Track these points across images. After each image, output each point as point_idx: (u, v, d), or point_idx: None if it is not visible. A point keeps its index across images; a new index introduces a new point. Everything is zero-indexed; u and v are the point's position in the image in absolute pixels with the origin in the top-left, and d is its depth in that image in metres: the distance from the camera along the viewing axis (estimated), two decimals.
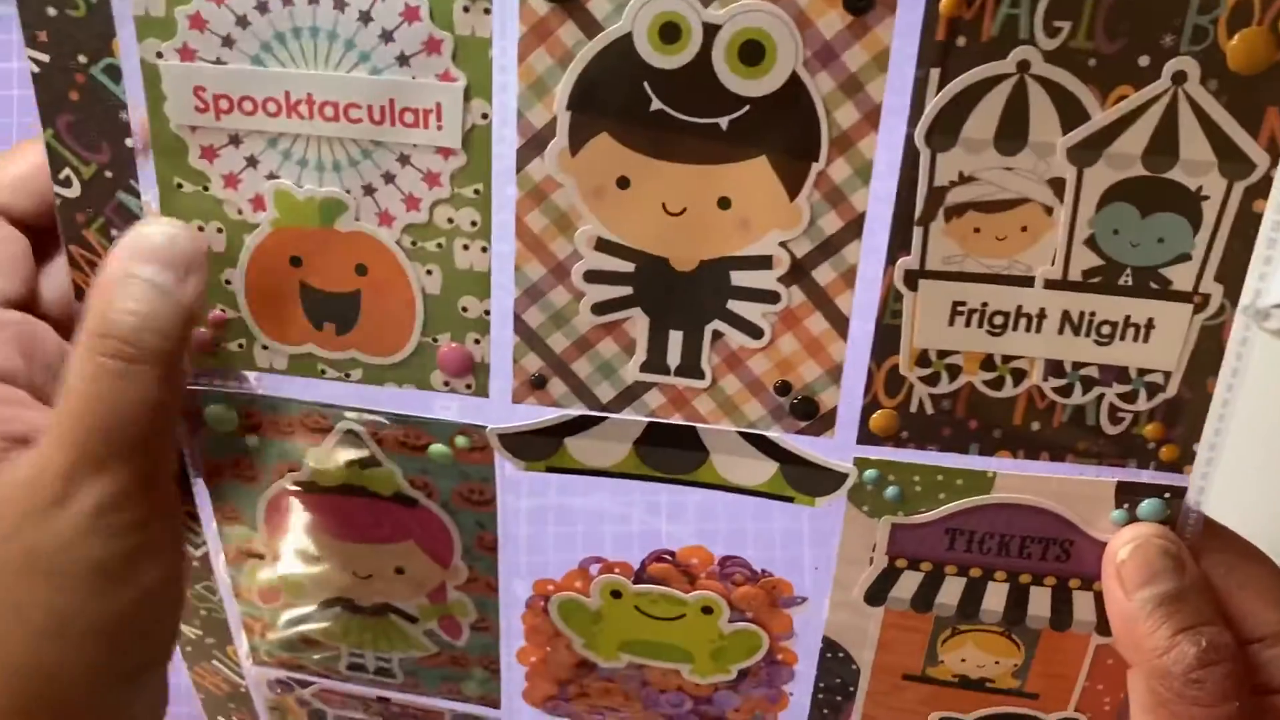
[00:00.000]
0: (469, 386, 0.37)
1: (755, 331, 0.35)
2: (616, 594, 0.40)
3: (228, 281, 0.36)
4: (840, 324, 0.34)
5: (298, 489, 0.39)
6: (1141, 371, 0.34)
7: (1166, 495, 0.35)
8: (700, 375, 0.35)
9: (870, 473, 0.36)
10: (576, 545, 0.41)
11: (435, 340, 0.36)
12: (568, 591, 0.40)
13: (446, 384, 0.37)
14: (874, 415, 0.35)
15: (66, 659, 0.34)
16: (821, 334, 0.34)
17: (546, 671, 0.43)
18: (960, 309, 0.34)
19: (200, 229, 0.36)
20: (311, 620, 0.43)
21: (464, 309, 0.36)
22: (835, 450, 0.36)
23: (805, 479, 0.36)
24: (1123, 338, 0.34)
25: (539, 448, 0.37)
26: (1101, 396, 0.35)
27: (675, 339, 0.35)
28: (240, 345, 0.37)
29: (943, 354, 0.34)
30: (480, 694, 0.44)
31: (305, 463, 0.39)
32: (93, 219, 0.36)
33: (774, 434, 0.36)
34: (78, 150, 0.35)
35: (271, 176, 0.35)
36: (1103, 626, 0.37)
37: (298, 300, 0.36)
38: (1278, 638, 0.35)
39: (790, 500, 0.37)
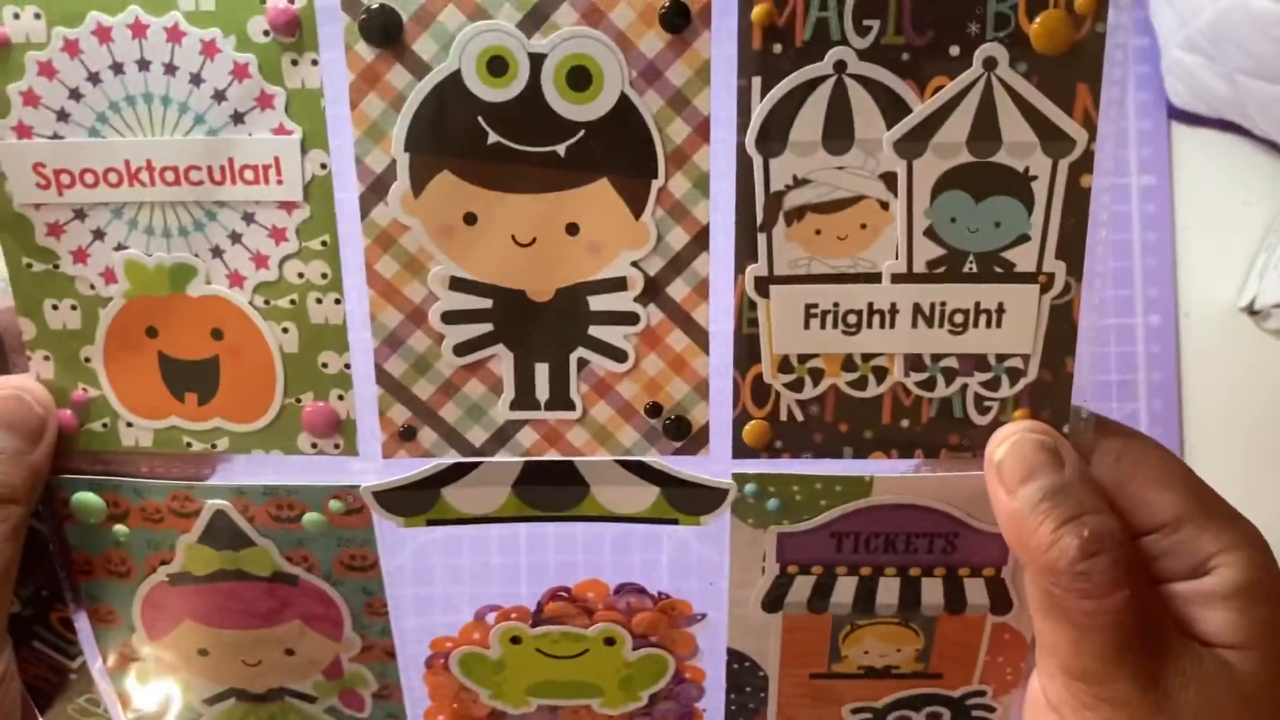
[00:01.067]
0: (337, 446, 0.36)
1: (619, 355, 0.35)
2: (516, 640, 0.39)
3: (87, 359, 0.36)
4: (700, 338, 0.35)
5: (172, 581, 0.38)
6: (1000, 357, 0.35)
7: None
8: (571, 406, 0.35)
9: (750, 487, 0.36)
10: (464, 597, 0.40)
11: (298, 400, 0.36)
12: (466, 645, 0.39)
13: (314, 445, 0.36)
14: (746, 427, 0.35)
15: None
16: (684, 350, 0.35)
17: None
18: (814, 311, 0.34)
19: (54, 308, 0.35)
20: (204, 717, 0.41)
21: (324, 365, 0.35)
22: (712, 467, 0.36)
23: (687, 500, 0.36)
24: (976, 325, 0.34)
25: (416, 502, 0.37)
26: (965, 387, 0.35)
27: (542, 371, 0.35)
28: (104, 425, 0.36)
29: (803, 358, 0.35)
30: None
31: (177, 551, 0.38)
32: None
33: (650, 458, 0.36)
34: None
35: (120, 247, 0.35)
36: (997, 608, 0.38)
37: (157, 372, 0.36)
38: (1176, 523, 0.34)
39: (675, 522, 0.36)
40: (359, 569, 0.38)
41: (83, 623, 0.40)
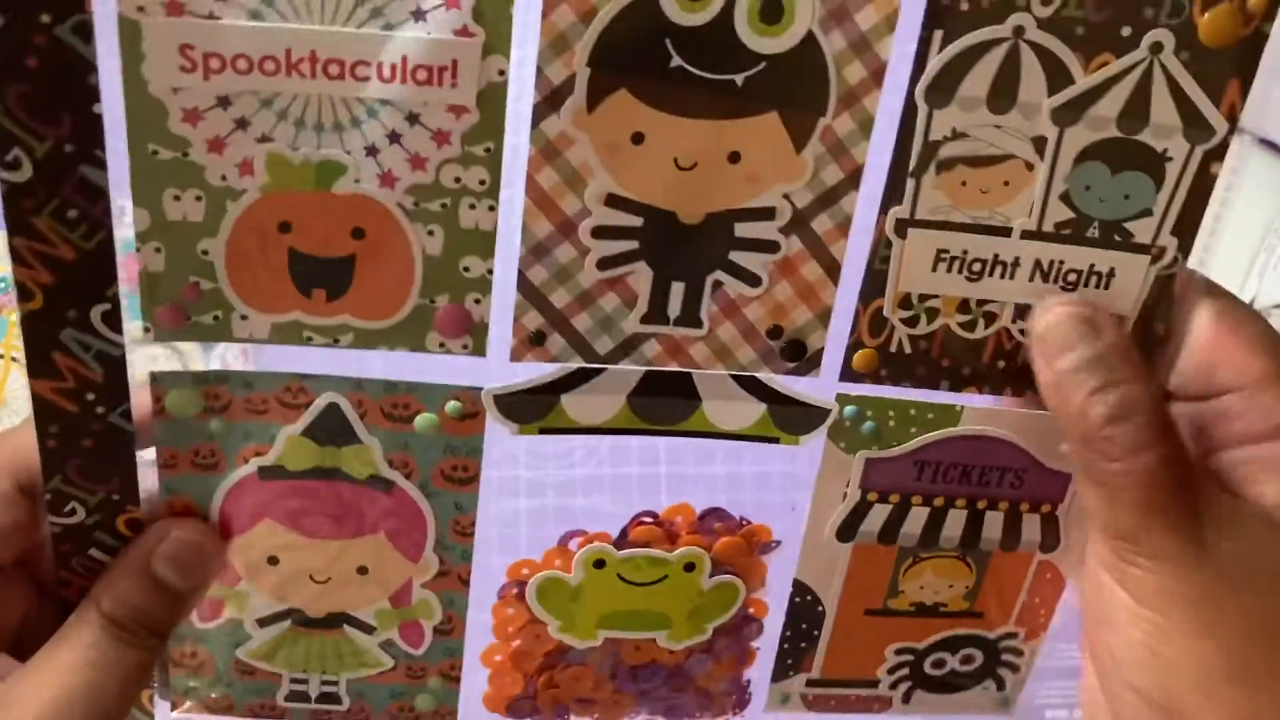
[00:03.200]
0: (465, 347, 0.36)
1: (754, 280, 0.36)
2: (600, 564, 0.40)
3: (204, 252, 0.34)
4: (833, 270, 0.36)
5: (262, 474, 0.37)
6: None
7: None
8: (699, 324, 0.37)
9: (850, 408, 0.38)
10: (548, 521, 0.41)
11: (433, 302, 0.35)
12: (547, 570, 0.40)
13: (442, 345, 0.36)
14: (857, 354, 0.37)
15: None
16: (815, 280, 0.36)
17: (514, 667, 0.42)
18: (943, 256, 0.36)
19: (176, 198, 0.34)
20: (253, 641, 0.41)
21: (465, 269, 0.35)
22: (818, 389, 0.38)
23: (790, 418, 0.38)
24: (1086, 284, 0.37)
25: (534, 408, 0.37)
26: None
27: (677, 290, 0.36)
28: (216, 318, 0.35)
29: (924, 298, 0.37)
30: (435, 708, 0.43)
31: (276, 443, 0.37)
32: (44, 204, 0.32)
33: (764, 375, 0.37)
34: (31, 125, 0.32)
35: (264, 139, 0.33)
36: (1046, 544, 0.41)
37: (285, 267, 0.35)
38: (1259, 385, 0.35)
39: (776, 441, 0.38)
40: (457, 481, 0.38)
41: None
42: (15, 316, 0.56)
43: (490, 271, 0.35)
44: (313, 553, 0.39)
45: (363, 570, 0.39)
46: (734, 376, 0.37)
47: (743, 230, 0.35)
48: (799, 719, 0.44)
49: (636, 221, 0.35)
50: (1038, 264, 0.37)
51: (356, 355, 0.36)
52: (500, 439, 0.38)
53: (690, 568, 0.40)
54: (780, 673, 0.43)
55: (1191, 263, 0.37)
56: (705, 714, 0.44)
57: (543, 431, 0.38)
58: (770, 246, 0.36)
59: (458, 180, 0.34)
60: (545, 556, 0.40)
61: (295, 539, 0.39)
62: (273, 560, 0.39)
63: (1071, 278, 0.37)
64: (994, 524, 0.41)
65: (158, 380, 0.36)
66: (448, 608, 0.41)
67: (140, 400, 0.36)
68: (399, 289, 0.35)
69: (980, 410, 0.39)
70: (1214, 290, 0.37)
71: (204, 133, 0.33)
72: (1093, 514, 0.36)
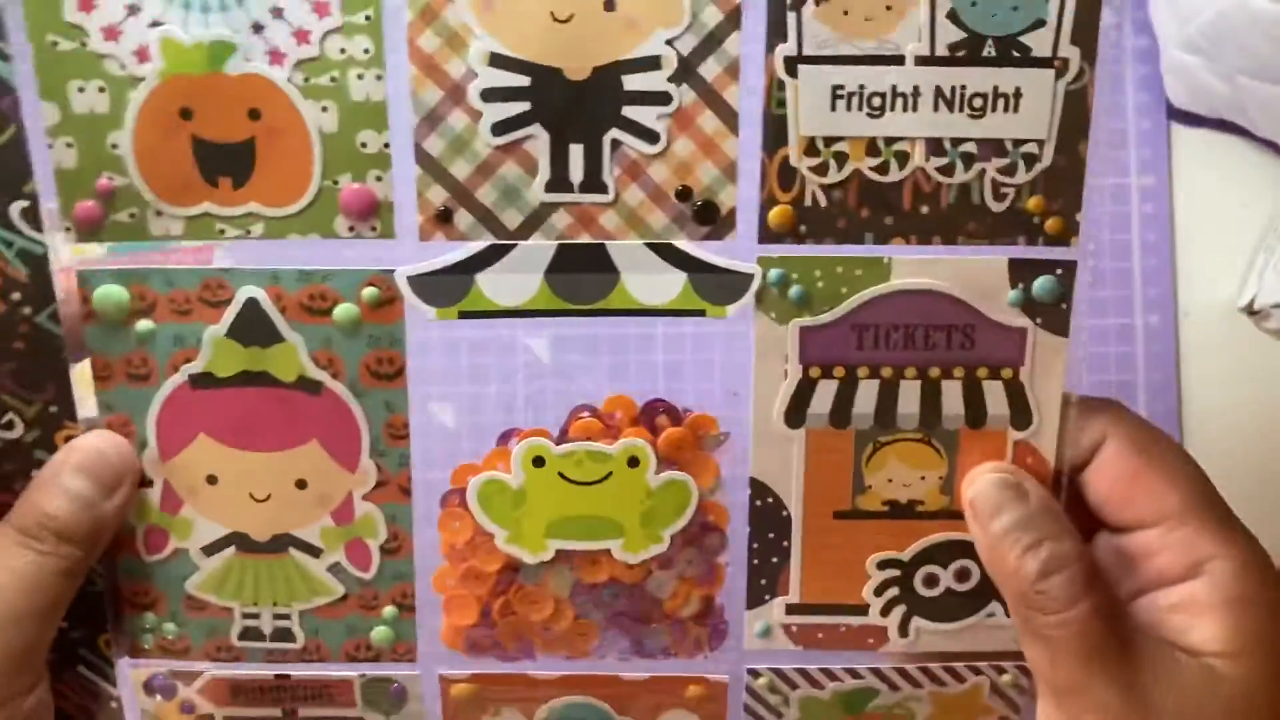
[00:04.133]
0: (374, 229, 0.37)
1: (651, 136, 0.36)
2: (539, 461, 0.39)
3: (114, 145, 0.36)
4: (730, 119, 0.36)
5: (193, 383, 0.38)
6: (1016, 142, 0.36)
7: (1058, 272, 0.37)
8: (604, 189, 0.36)
9: (774, 272, 0.37)
10: (487, 422, 0.40)
11: (336, 183, 0.36)
12: (488, 472, 0.39)
13: (351, 229, 0.37)
14: (772, 212, 0.36)
15: None
16: (714, 132, 0.36)
17: (466, 591, 0.40)
18: (840, 93, 0.36)
19: (80, 90, 0.36)
20: (200, 571, 0.40)
21: (363, 144, 0.36)
22: (738, 254, 0.37)
23: (713, 287, 0.37)
24: (994, 109, 0.36)
25: (449, 289, 0.37)
26: (983, 172, 0.36)
27: (576, 153, 0.36)
28: (132, 215, 0.36)
29: (829, 141, 0.36)
30: (392, 642, 0.41)
31: (203, 346, 0.38)
32: None
33: (680, 242, 0.37)
34: None
35: (155, 24, 0.35)
36: (1017, 419, 0.38)
37: (190, 156, 0.36)
38: (1179, 519, 0.37)
39: (701, 314, 0.37)
40: (384, 376, 0.38)
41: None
42: None
43: (387, 145, 0.36)
44: (250, 468, 0.39)
45: (301, 484, 0.39)
46: (650, 245, 0.37)
47: (631, 83, 0.36)
48: (786, 656, 0.41)
49: (524, 81, 0.35)
50: (939, 92, 0.36)
51: (275, 251, 0.37)
52: (421, 327, 0.38)
53: (634, 462, 0.39)
54: (755, 597, 0.40)
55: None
56: (680, 649, 0.41)
57: (462, 315, 0.37)
58: (662, 98, 0.36)
59: (343, 51, 0.35)
60: (485, 460, 0.39)
61: (231, 454, 0.39)
62: (211, 479, 0.39)
63: (977, 103, 0.36)
64: (953, 395, 0.38)
65: (84, 278, 0.37)
66: (391, 522, 0.40)
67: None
68: (301, 171, 0.36)
69: (911, 262, 0.37)
70: (1137, 423, 0.38)
71: (98, 20, 0.35)
72: (1039, 674, 0.37)
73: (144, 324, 0.37)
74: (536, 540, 0.40)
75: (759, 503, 0.39)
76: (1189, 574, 0.37)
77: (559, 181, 0.36)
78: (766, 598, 0.40)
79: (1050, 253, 0.37)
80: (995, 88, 0.36)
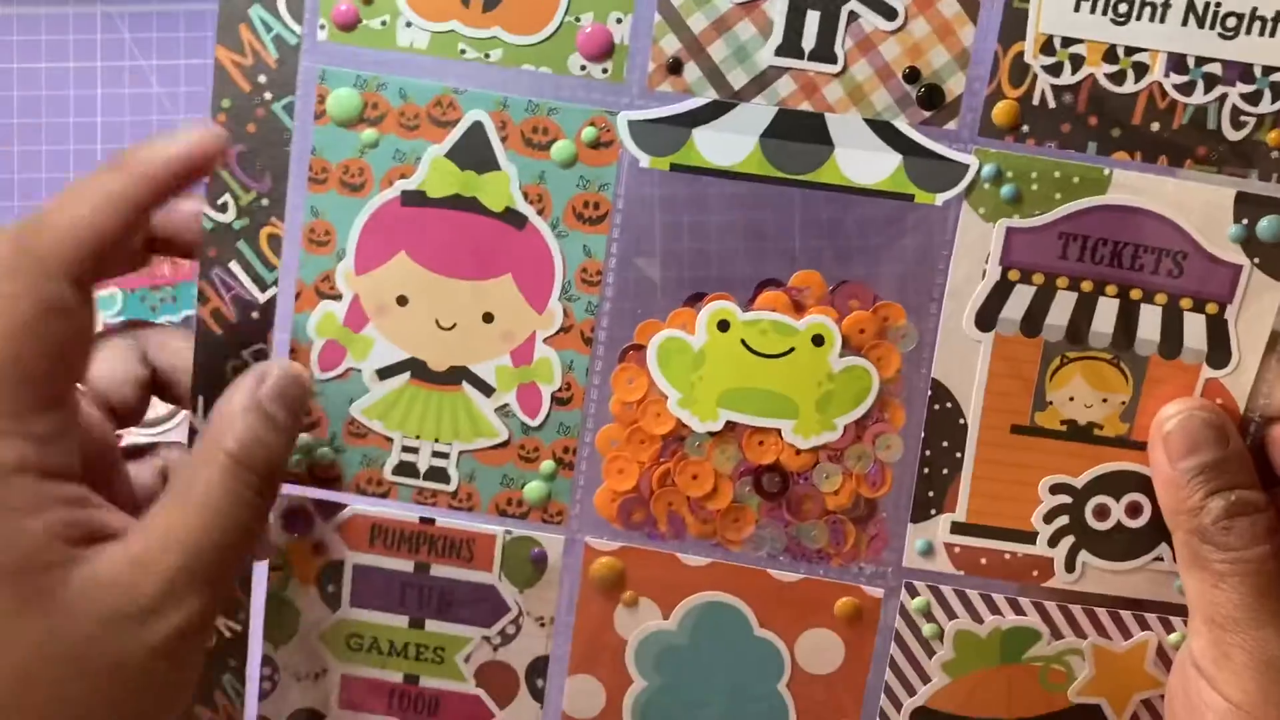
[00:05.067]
0: (605, 71, 0.38)
1: (890, 12, 0.37)
2: (724, 325, 0.39)
3: None
4: (971, 6, 0.36)
5: (404, 200, 0.39)
6: (1267, 70, 0.36)
7: None
8: (834, 60, 0.37)
9: (989, 168, 0.37)
10: (678, 279, 0.40)
11: (578, 20, 0.38)
12: (670, 329, 0.39)
13: (583, 68, 0.38)
14: (997, 106, 0.36)
15: None
16: (953, 17, 0.36)
17: (630, 453, 0.40)
18: None
19: None
20: (370, 395, 0.40)
21: None
22: (957, 143, 0.37)
23: (927, 173, 0.37)
24: (1248, 31, 0.35)
25: (666, 139, 0.38)
26: (1224, 97, 0.36)
27: (812, 20, 0.37)
28: (383, 23, 0.38)
29: (1067, 42, 0.36)
30: (545, 500, 0.41)
31: (421, 164, 0.39)
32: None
33: (900, 123, 0.37)
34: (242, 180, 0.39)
35: None
36: (1215, 356, 0.37)
37: None
38: None
39: (911, 199, 0.37)
40: (588, 220, 0.39)
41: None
42: None
43: None
44: (442, 293, 0.40)
45: (488, 318, 0.40)
46: (869, 122, 0.37)
47: None
48: (947, 578, 0.40)
49: None
50: (1190, 5, 0.35)
51: (508, 78, 0.38)
52: (633, 174, 0.38)
53: (819, 341, 0.38)
54: (920, 510, 0.39)
55: None
56: (836, 551, 0.40)
57: (673, 168, 0.38)
58: None
59: None
60: (670, 318, 0.39)
61: (427, 276, 0.39)
62: (402, 300, 0.40)
63: (1231, 23, 0.35)
64: (1151, 320, 0.37)
65: (324, 75, 0.39)
66: (568, 370, 0.40)
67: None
68: (548, 3, 0.38)
69: (1132, 178, 0.36)
70: None
71: None
72: (1195, 601, 0.37)
73: (369, 132, 0.39)
74: (709, 407, 0.39)
75: (936, 407, 0.39)
76: None
77: (790, 46, 0.37)
78: (933, 512, 0.39)
79: None
80: (1254, 9, 0.35)
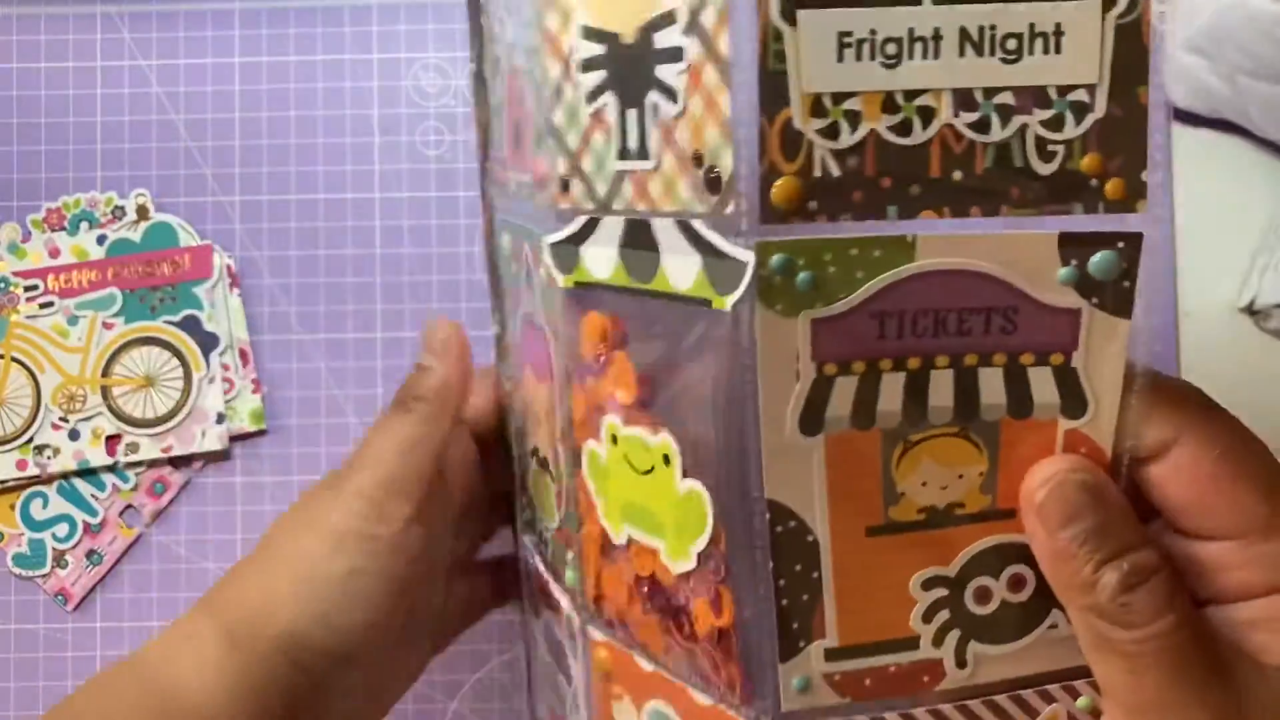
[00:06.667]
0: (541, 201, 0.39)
1: (673, 95, 0.34)
2: (614, 439, 0.38)
3: None
4: (724, 71, 0.32)
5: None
6: (1062, 90, 0.30)
7: (1120, 245, 0.30)
8: (647, 156, 0.35)
9: (776, 259, 0.32)
10: None
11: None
12: (592, 440, 0.40)
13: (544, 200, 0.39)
14: (775, 185, 0.32)
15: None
16: (714, 86, 0.33)
17: (591, 554, 0.41)
18: (848, 40, 0.31)
19: None
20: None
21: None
22: (738, 236, 0.33)
23: (721, 273, 0.33)
24: (1031, 51, 0.30)
25: (568, 258, 0.39)
26: (1024, 128, 0.30)
27: (632, 118, 0.35)
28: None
29: (838, 98, 0.31)
30: (574, 584, 0.43)
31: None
32: None
33: (697, 220, 0.34)
34: None
35: None
36: (1069, 407, 0.32)
37: None
38: (1266, 531, 0.33)
39: (709, 304, 0.34)
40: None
41: None
42: (15, 317, 0.64)
43: (547, 120, 0.38)
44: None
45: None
46: (678, 223, 0.35)
47: (660, 39, 0.34)
48: (833, 711, 0.35)
49: (600, 49, 0.36)
50: (964, 33, 0.30)
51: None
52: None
53: (666, 460, 0.36)
54: (789, 646, 0.34)
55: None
56: (717, 681, 0.36)
57: (577, 284, 0.39)
58: (676, 55, 0.33)
59: None
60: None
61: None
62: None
63: (1011, 45, 0.30)
64: (993, 383, 0.32)
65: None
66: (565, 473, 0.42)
67: None
68: None
69: (940, 240, 0.31)
70: (1219, 421, 0.34)
71: None
72: (1109, 693, 0.34)
73: None
74: (615, 519, 0.39)
75: (779, 528, 0.34)
76: (1275, 589, 0.33)
77: (623, 149, 0.36)
78: (801, 644, 0.35)
79: (1111, 222, 0.30)
80: (1031, 26, 0.30)
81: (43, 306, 0.63)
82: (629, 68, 0.35)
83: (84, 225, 0.64)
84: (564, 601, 0.44)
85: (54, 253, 0.63)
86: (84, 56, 0.64)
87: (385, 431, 0.47)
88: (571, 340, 0.40)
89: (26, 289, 0.63)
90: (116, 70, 0.64)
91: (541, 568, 0.47)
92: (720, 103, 0.33)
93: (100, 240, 0.64)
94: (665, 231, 0.35)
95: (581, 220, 0.37)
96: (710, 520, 0.35)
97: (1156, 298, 0.49)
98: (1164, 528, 0.35)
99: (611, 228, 0.37)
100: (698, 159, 0.33)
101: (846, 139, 0.32)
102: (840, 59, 0.31)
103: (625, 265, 0.36)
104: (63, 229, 0.64)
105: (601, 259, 0.37)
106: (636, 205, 0.36)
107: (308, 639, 0.43)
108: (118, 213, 0.64)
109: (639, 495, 0.38)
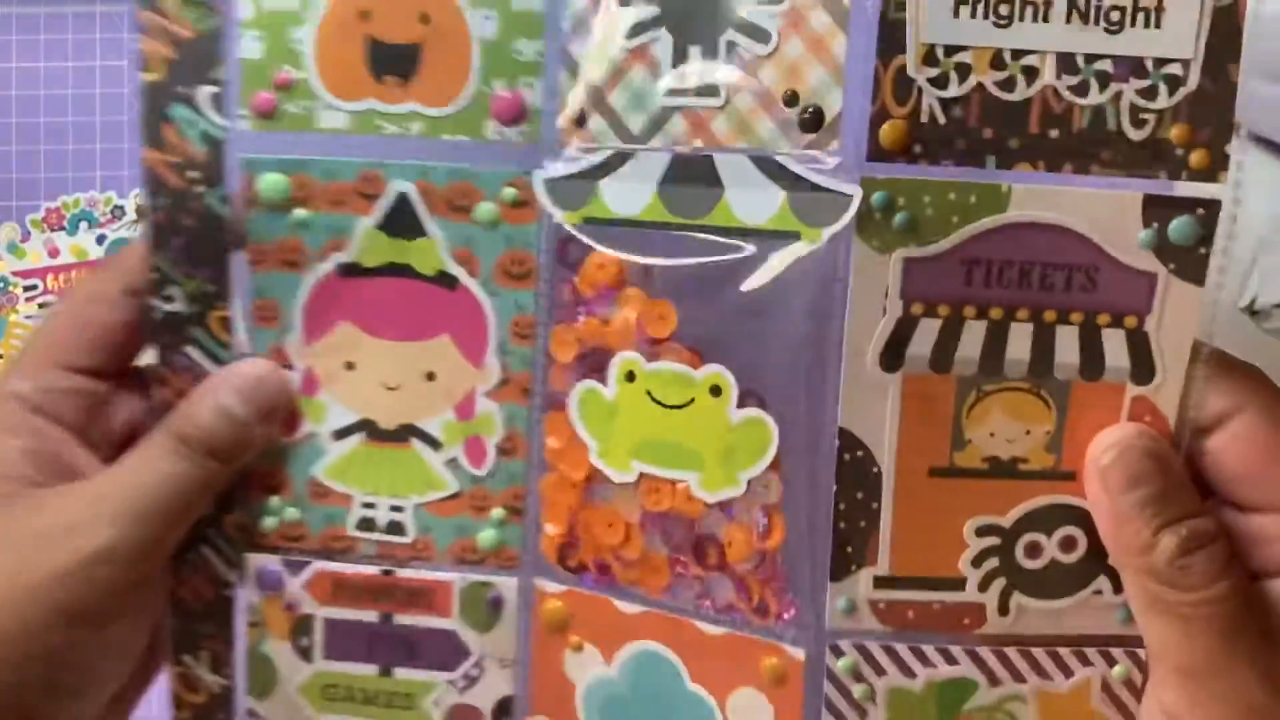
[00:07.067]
0: (521, 134, 0.39)
1: (764, 36, 0.35)
2: (631, 376, 0.38)
3: (297, 41, 0.39)
4: (840, 17, 0.35)
5: (340, 271, 0.41)
6: (1158, 63, 0.33)
7: (1199, 211, 0.33)
8: (715, 94, 0.36)
9: (878, 195, 0.35)
10: None
11: (490, 87, 0.39)
12: (588, 380, 0.39)
13: (499, 133, 0.39)
14: (884, 127, 0.34)
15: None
16: (824, 30, 0.35)
17: (563, 500, 0.40)
18: None
19: None
20: (328, 456, 0.42)
21: (518, 52, 0.39)
22: (841, 172, 0.35)
23: (812, 207, 0.35)
24: (1133, 23, 0.33)
25: (577, 194, 0.38)
26: (1119, 95, 0.33)
27: (694, 54, 0.36)
28: (304, 108, 0.40)
29: (950, 50, 0.34)
30: (497, 546, 0.42)
31: (354, 236, 0.40)
32: None
33: (783, 156, 0.36)
34: None
35: None
36: (1138, 373, 0.34)
37: (363, 54, 0.39)
38: None
39: (797, 236, 0.36)
40: (516, 276, 0.40)
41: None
42: (15, 317, 0.63)
43: (540, 53, 0.38)
44: (386, 356, 0.41)
45: (430, 376, 0.41)
46: (752, 158, 0.36)
47: None
48: (873, 635, 0.37)
49: None
50: (1072, 3, 0.33)
51: (428, 149, 0.40)
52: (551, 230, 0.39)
53: (716, 391, 0.37)
54: (840, 568, 0.36)
55: None
56: (747, 607, 0.38)
57: (585, 220, 0.38)
58: None
59: None
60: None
61: (370, 342, 0.41)
62: (349, 366, 0.41)
63: (1114, 16, 0.33)
64: (1068, 342, 0.34)
65: (251, 164, 0.41)
66: (509, 424, 0.41)
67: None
68: (459, 75, 0.39)
69: (1033, 192, 0.34)
70: (1272, 392, 0.35)
71: None
72: (1159, 652, 0.35)
73: (299, 212, 0.41)
74: (622, 458, 0.39)
75: (847, 457, 0.36)
76: None
77: (679, 86, 0.37)
78: (853, 568, 0.36)
79: (1194, 189, 0.32)
80: (1135, 1, 0.32)
81: (42, 306, 0.62)
82: (695, 5, 0.36)
83: (83, 225, 0.63)
84: (455, 577, 0.42)
85: (53, 253, 0.62)
86: (84, 56, 0.63)
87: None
88: (564, 279, 0.39)
89: (26, 289, 0.62)
90: (116, 70, 0.64)
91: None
92: (830, 45, 0.35)
93: (99, 240, 0.62)
94: (734, 166, 0.36)
95: (603, 154, 0.38)
96: (774, 446, 0.36)
97: None
98: (1216, 505, 0.35)
99: (649, 162, 0.37)
100: (791, 98, 0.35)
101: (955, 89, 0.34)
102: (956, 14, 0.34)
103: (665, 200, 0.37)
104: (62, 229, 0.62)
105: (630, 194, 0.37)
106: (691, 141, 0.36)
107: None
108: (117, 213, 0.62)
109: (663, 430, 0.38)
